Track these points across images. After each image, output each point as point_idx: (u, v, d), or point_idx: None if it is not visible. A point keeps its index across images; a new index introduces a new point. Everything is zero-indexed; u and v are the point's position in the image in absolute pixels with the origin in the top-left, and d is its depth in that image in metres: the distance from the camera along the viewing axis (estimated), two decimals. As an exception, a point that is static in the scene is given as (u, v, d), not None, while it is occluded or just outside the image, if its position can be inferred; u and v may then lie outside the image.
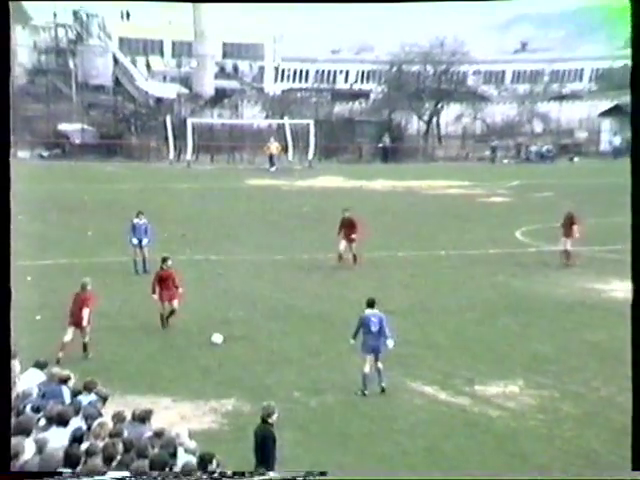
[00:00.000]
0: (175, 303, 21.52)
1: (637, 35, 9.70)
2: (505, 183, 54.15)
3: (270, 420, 12.18)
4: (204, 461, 10.32)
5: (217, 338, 20.29)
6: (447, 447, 14.70)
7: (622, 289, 25.58)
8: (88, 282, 19.58)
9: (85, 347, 19.31)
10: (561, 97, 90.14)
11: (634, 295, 10.53)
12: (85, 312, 19.24)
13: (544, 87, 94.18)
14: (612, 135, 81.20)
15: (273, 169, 59.17)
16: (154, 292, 21.47)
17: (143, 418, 11.77)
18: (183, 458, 10.41)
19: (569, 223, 29.99)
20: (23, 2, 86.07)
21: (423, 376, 18.10)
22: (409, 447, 14.73)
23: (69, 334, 19.14)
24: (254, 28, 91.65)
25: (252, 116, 75.21)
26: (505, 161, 73.68)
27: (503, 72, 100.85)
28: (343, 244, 28.66)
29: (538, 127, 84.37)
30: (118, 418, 11.61)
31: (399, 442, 14.96)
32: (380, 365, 17.33)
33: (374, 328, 17.24)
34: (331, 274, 27.76)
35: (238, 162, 65.27)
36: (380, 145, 72.39)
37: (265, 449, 11.98)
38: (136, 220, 27.54)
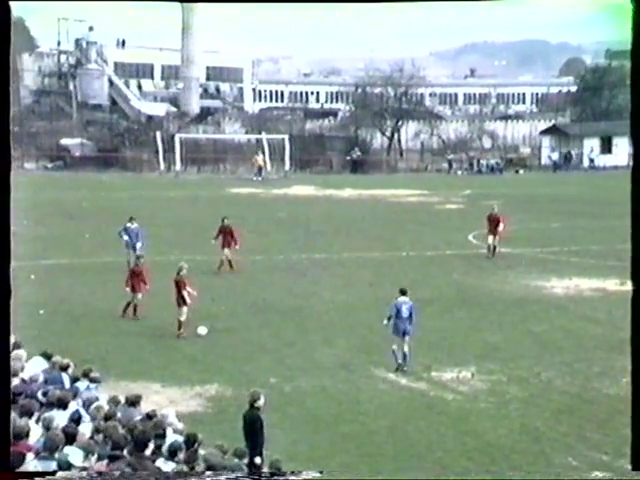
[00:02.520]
0: (139, 295, 21.62)
1: (637, 35, 9.40)
2: (459, 192, 54.26)
3: (256, 405, 12.07)
4: (190, 440, 10.21)
5: (202, 330, 20.14)
6: (408, 427, 14.66)
7: (561, 286, 25.71)
8: (184, 267, 20.58)
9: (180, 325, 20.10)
10: (507, 117, 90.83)
11: (634, 295, 10.31)
12: (185, 293, 20.12)
13: (492, 108, 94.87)
14: (551, 151, 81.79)
15: (259, 179, 59.32)
16: (127, 285, 21.67)
17: (134, 402, 11.66)
18: (171, 438, 10.30)
19: (494, 223, 30.36)
20: (29, 28, 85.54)
21: (386, 364, 18.06)
22: (373, 427, 14.68)
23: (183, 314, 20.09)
24: (235, 54, 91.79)
25: (233, 132, 75.25)
26: (459, 173, 73.91)
27: (456, 94, 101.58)
28: (226, 251, 27.10)
29: (487, 143, 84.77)
30: (113, 402, 11.48)
31: (364, 423, 14.90)
32: (406, 348, 17.52)
33: (405, 314, 17.64)
34: (304, 273, 27.66)
35: (222, 173, 65.07)
36: (348, 158, 72.52)
37: (254, 432, 11.88)
38: (128, 224, 27.35)
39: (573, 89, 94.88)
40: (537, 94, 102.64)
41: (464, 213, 44.90)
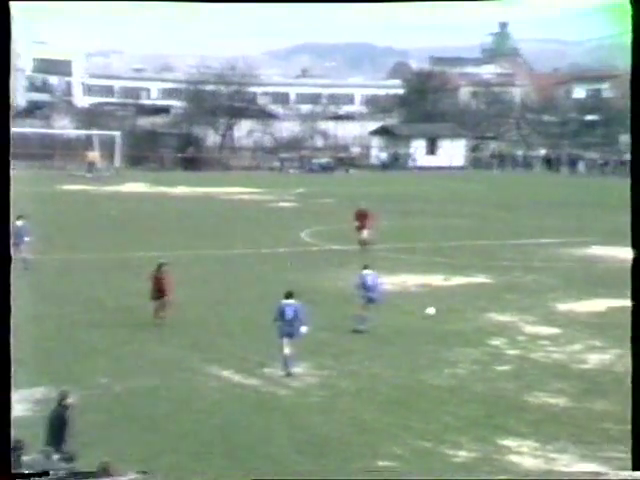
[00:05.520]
0: None
1: (637, 35, 9.58)
2: (292, 190, 54.74)
3: (64, 403, 11.94)
4: (16, 446, 9.82)
5: (431, 310, 21.21)
6: (240, 424, 14.62)
7: (389, 282, 26.30)
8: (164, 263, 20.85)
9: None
10: (338, 117, 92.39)
11: (634, 295, 10.51)
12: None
13: (323, 108, 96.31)
14: (380, 151, 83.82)
15: (90, 175, 57.82)
16: None
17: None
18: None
19: (363, 218, 31.67)
20: None
21: (219, 361, 17.97)
22: (205, 425, 14.55)
23: None
24: (64, 46, 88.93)
25: (62, 126, 73.00)
26: (292, 171, 74.54)
27: (288, 94, 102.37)
28: None
29: (319, 142, 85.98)
30: None
31: (196, 421, 14.74)
32: (287, 350, 17.19)
33: (289, 316, 17.25)
34: (138, 272, 27.14)
35: (50, 169, 62.98)
36: (181, 155, 71.76)
37: (55, 429, 11.72)
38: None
39: (400, 92, 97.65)
40: (366, 95, 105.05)
41: (297, 211, 45.32)
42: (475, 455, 13.27)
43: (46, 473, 8.63)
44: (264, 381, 16.94)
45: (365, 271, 20.70)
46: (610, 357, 18.62)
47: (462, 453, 13.33)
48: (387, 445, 13.58)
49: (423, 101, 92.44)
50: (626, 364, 18.19)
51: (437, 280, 26.90)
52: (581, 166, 76.24)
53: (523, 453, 13.36)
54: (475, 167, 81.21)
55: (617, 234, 37.13)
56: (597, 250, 33.13)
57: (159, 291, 20.74)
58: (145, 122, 77.57)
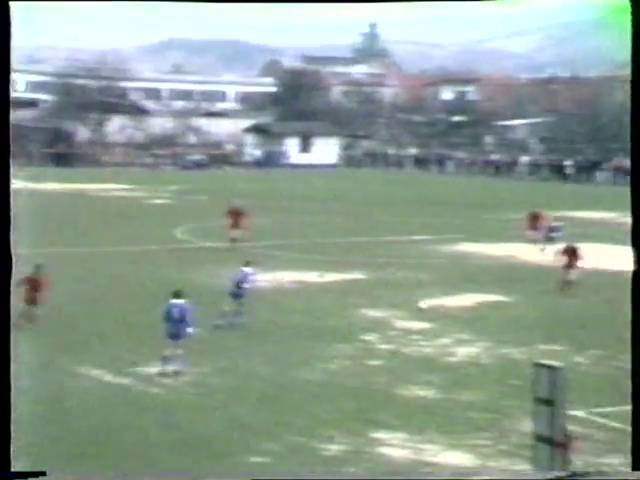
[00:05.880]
0: None
1: (637, 35, 9.54)
2: (165, 187, 54.15)
3: None
4: None
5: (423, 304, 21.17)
6: (112, 424, 14.39)
7: (264, 279, 26.34)
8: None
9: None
10: (211, 114, 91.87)
11: (633, 296, 10.53)
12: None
13: (196, 105, 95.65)
14: (254, 148, 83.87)
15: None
16: None
17: None
18: None
19: (236, 215, 31.58)
20: None
21: (91, 361, 17.64)
22: (76, 427, 14.26)
23: None
24: None
25: None
26: (165, 168, 73.72)
27: (160, 90, 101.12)
28: None
29: (193, 139, 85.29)
30: None
31: (66, 423, 14.44)
32: (180, 351, 16.82)
33: (176, 316, 16.86)
34: None
35: None
36: (50, 150, 69.96)
37: None
38: None
39: (274, 90, 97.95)
40: (240, 93, 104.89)
41: (170, 208, 44.87)
42: (346, 448, 13.48)
43: (43, 473, 8.33)
44: (137, 380, 16.72)
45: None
46: (477, 350, 19.22)
47: (334, 447, 13.52)
48: (260, 441, 13.65)
49: (296, 99, 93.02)
50: (492, 356, 18.88)
51: (312, 277, 27.15)
52: (450, 165, 78.27)
53: (393, 445, 13.66)
54: (348, 165, 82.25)
55: (484, 231, 38.45)
56: (466, 247, 34.12)
57: (35, 293, 20.09)
58: (12, 116, 75.30)
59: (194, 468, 12.53)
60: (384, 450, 13.45)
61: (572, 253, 24.78)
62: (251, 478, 12.04)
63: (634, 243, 10.38)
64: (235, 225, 31.76)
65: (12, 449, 12.28)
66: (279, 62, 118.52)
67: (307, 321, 21.55)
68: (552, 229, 30.94)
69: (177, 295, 17.33)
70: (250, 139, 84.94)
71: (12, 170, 11.17)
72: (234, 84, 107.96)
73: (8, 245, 7.69)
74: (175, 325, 16.99)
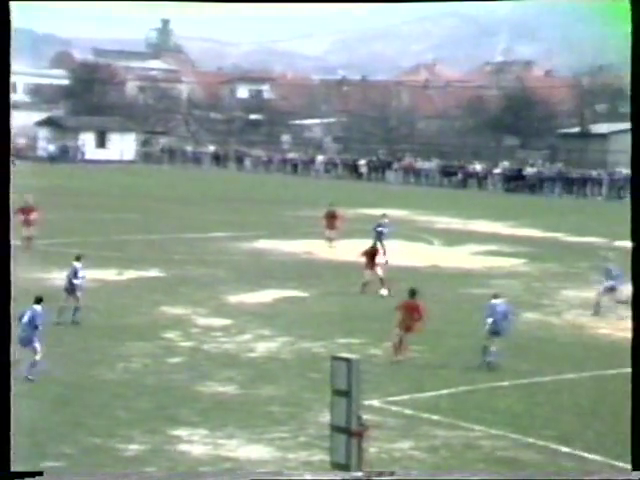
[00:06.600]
0: None
1: (637, 35, 9.29)
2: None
3: None
4: None
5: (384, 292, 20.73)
6: None
7: (57, 277, 25.36)
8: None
9: None
10: None
11: (634, 296, 10.25)
12: None
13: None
14: (47, 143, 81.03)
15: None
16: None
17: None
18: None
19: (27, 213, 30.45)
20: None
21: None
22: None
23: None
24: None
25: None
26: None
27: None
28: None
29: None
30: None
31: None
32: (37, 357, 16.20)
33: (24, 320, 16.28)
34: None
35: None
36: None
37: None
38: None
39: (66, 82, 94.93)
40: (29, 84, 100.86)
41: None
42: (146, 448, 13.34)
43: (40, 473, 8.23)
44: None
45: (75, 262, 20.76)
46: (277, 345, 19.51)
47: (133, 447, 13.35)
48: (55, 445, 13.25)
49: (90, 93, 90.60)
50: (292, 350, 19.23)
51: (110, 275, 26.59)
52: (248, 163, 78.79)
53: (193, 442, 13.65)
54: (146, 161, 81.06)
55: (282, 228, 39.01)
56: (265, 243, 34.50)
57: None
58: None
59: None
60: (184, 447, 13.42)
61: (373, 251, 25.42)
62: (251, 478, 11.98)
63: (634, 238, 10.72)
64: (27, 223, 30.51)
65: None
66: (70, 54, 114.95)
67: (107, 320, 21.11)
68: (379, 225, 30.09)
69: (38, 301, 16.67)
70: (43, 133, 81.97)
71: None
72: (23, 74, 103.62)
73: (8, 243, 7.20)
74: (25, 330, 16.30)
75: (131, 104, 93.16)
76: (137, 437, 13.70)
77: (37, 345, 16.42)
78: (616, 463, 13.05)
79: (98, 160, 76.18)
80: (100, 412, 14.78)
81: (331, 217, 33.05)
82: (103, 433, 13.81)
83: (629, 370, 18.04)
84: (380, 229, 29.81)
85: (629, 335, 21.06)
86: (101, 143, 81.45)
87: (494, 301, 17.82)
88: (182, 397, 15.77)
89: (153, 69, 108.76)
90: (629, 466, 12.75)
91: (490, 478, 12.37)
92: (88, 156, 78.46)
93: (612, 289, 22.44)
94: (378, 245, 26.76)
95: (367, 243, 26.66)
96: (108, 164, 73.87)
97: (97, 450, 13.16)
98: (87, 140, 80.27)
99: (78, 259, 21.06)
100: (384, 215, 31.14)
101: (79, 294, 20.66)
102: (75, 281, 20.64)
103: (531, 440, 13.93)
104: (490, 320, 17.53)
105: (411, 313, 17.97)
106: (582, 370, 17.96)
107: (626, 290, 20.88)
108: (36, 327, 16.45)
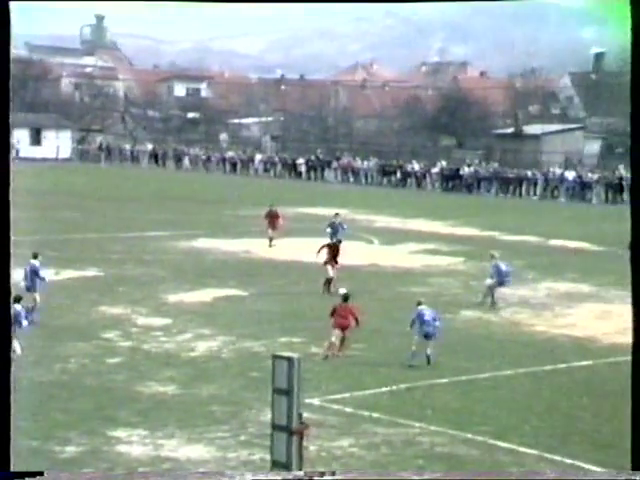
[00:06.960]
0: None
1: (637, 35, 9.15)
2: None
3: None
4: None
5: (342, 290, 19.91)
6: None
7: None
8: None
9: None
10: None
11: (634, 296, 10.07)
12: None
13: None
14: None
15: None
16: None
17: None
18: None
19: None
20: None
21: None
22: None
23: None
24: None
25: None
26: None
27: None
28: None
29: None
30: None
31: None
32: None
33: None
34: None
35: None
36: None
37: None
38: None
39: None
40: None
41: None
42: (84, 449, 13.19)
43: (41, 473, 8.13)
44: None
45: (32, 260, 20.83)
46: (218, 344, 19.44)
47: (70, 448, 13.19)
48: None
49: (24, 89, 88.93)
50: (233, 350, 19.18)
51: (48, 274, 26.04)
52: (186, 161, 78.24)
53: (132, 442, 13.53)
54: (82, 160, 79.97)
55: (221, 227, 38.86)
56: (204, 242, 34.32)
57: None
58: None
59: None
60: (123, 448, 13.30)
61: (335, 247, 25.24)
62: (191, 479, 11.86)
63: (634, 244, 10.70)
64: None
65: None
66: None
67: (44, 320, 20.74)
68: (333, 224, 29.64)
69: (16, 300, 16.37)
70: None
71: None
72: None
73: (8, 243, 7.06)
74: None
75: (66, 101, 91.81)
76: (75, 438, 13.53)
77: None
78: (551, 457, 13.28)
79: (33, 158, 74.88)
80: (36, 414, 14.54)
81: (272, 217, 33.00)
82: (39, 435, 13.60)
83: (564, 365, 18.50)
84: (330, 230, 29.22)
85: (564, 331, 21.62)
86: (36, 140, 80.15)
87: (420, 307, 18.02)
88: (121, 397, 15.63)
89: (88, 65, 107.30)
90: (565, 460, 13.18)
91: (431, 477, 12.43)
92: (22, 154, 77.06)
93: (501, 284, 23.60)
94: (338, 243, 26.22)
95: (306, 242, 26.71)
96: (43, 162, 72.71)
97: (33, 453, 12.96)
98: (21, 137, 78.88)
99: (35, 257, 20.67)
100: (337, 214, 30.82)
101: (37, 294, 20.30)
102: (35, 278, 20.53)
103: (469, 436, 14.12)
104: (419, 325, 17.74)
105: (346, 317, 18.11)
106: (519, 366, 18.23)
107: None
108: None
